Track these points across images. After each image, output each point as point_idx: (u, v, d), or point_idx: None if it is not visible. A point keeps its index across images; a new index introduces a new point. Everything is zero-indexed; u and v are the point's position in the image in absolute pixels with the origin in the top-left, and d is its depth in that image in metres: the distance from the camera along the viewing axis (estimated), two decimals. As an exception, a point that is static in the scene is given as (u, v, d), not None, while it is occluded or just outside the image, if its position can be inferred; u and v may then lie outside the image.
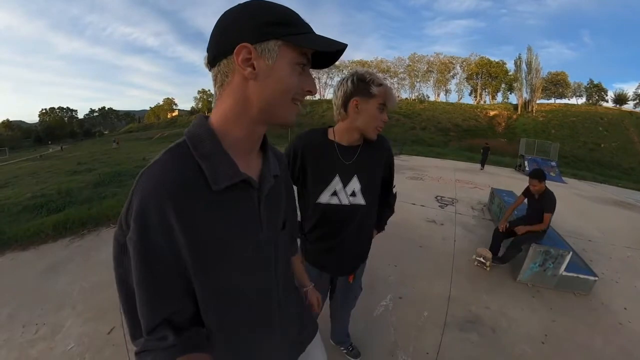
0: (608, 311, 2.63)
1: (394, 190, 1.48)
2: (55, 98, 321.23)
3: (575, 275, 2.85)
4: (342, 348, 1.97)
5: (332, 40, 0.55)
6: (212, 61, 0.55)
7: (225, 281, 0.60)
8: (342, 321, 1.87)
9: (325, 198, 1.23)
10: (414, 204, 5.72)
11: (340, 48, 0.55)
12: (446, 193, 6.88)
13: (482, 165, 13.98)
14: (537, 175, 3.01)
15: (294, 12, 0.55)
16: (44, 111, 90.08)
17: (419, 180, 8.69)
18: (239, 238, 0.60)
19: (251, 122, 0.58)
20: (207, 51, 0.57)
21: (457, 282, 2.92)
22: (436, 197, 6.42)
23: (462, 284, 2.89)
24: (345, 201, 1.24)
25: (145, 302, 0.54)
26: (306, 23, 0.56)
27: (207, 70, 0.59)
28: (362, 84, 1.11)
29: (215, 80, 0.57)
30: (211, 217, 0.55)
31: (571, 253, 2.87)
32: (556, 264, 2.85)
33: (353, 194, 1.24)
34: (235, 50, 0.51)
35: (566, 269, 2.84)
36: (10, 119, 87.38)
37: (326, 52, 0.57)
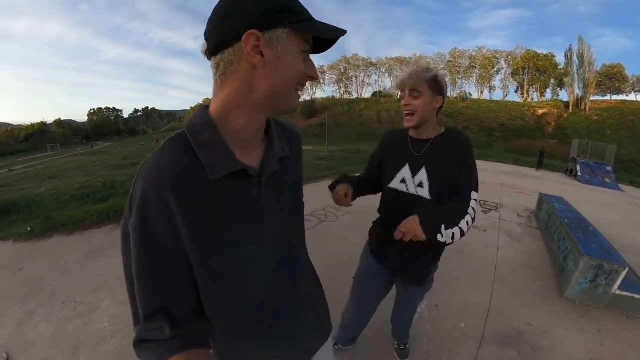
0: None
1: (470, 212, 1.15)
2: (103, 99, 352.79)
3: (630, 294, 2.53)
4: (395, 342, 1.96)
5: (334, 27, 0.55)
6: (215, 49, 0.53)
7: (226, 268, 0.60)
8: (403, 321, 1.84)
9: (395, 184, 1.30)
10: (455, 208, 5.45)
11: (341, 34, 0.55)
12: (490, 197, 6.48)
13: (539, 167, 14.27)
14: None
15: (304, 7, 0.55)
16: (92, 111, 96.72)
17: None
18: (240, 226, 0.60)
19: (253, 110, 0.58)
20: (206, 39, 0.55)
21: (498, 293, 2.72)
22: (479, 202, 6.07)
23: (504, 296, 2.70)
24: (412, 190, 1.26)
25: (144, 287, 0.54)
26: (305, 8, 0.55)
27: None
28: None
29: (217, 68, 0.55)
30: (210, 205, 0.56)
31: (627, 269, 2.54)
32: (609, 281, 2.54)
33: (420, 185, 1.25)
34: (243, 38, 0.49)
35: (620, 287, 2.53)
36: (62, 118, 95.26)
37: (326, 39, 0.57)
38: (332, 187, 1.31)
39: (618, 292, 2.53)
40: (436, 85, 1.18)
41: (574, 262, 2.77)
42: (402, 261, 1.36)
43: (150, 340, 0.56)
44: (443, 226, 1.06)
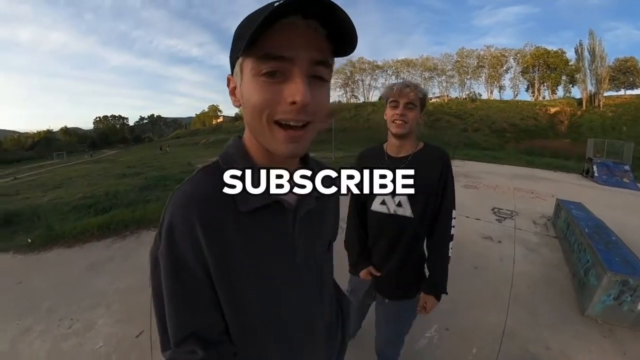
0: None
1: (450, 235, 1.32)
2: (108, 107, 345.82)
3: (659, 311, 2.33)
4: None
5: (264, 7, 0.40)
6: None
7: (250, 302, 0.57)
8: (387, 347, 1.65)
9: (376, 206, 1.31)
10: (467, 217, 5.18)
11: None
12: (504, 204, 6.16)
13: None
14: None
15: (255, 14, 0.43)
16: (97, 119, 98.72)
17: (473, 188, 7.84)
18: (269, 262, 0.57)
19: (261, 148, 0.55)
20: None
21: (514, 313, 2.54)
22: (493, 210, 5.75)
23: (520, 316, 2.51)
24: (392, 210, 1.27)
25: (174, 315, 0.53)
26: (262, 10, 0.40)
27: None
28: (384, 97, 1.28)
29: None
30: (239, 238, 0.53)
31: (656, 284, 2.35)
32: (634, 297, 2.34)
33: (399, 204, 1.26)
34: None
35: (648, 304, 2.34)
36: (68, 126, 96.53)
37: (337, 33, 0.44)
38: (354, 270, 1.43)
39: (645, 309, 2.33)
40: (424, 103, 1.24)
41: (596, 277, 2.57)
42: (387, 276, 1.38)
43: None
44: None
